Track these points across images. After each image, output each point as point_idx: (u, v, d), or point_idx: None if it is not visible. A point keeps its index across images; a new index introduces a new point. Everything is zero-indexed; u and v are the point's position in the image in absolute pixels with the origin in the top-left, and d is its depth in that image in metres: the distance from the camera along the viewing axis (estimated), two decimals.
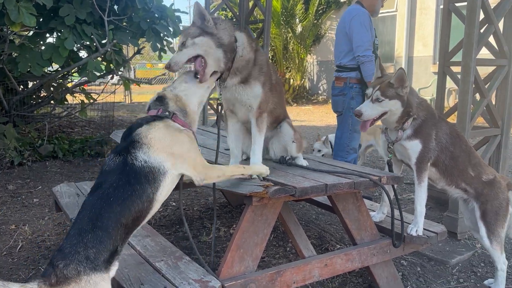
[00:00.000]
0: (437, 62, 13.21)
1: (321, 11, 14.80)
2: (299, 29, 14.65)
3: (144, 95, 15.81)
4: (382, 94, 2.44)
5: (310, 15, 14.44)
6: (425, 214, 2.63)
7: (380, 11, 4.51)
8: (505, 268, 2.71)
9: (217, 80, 2.24)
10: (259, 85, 2.28)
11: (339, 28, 4.23)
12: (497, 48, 3.69)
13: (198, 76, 2.08)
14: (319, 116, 11.94)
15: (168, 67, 2.11)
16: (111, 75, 7.09)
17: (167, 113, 1.97)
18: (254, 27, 10.90)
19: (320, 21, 14.90)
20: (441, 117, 2.70)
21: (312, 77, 16.05)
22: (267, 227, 2.18)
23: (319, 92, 15.76)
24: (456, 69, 3.97)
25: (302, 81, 15.40)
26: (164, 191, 1.88)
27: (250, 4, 6.68)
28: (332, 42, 15.17)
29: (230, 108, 2.41)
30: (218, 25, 2.12)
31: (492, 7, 3.47)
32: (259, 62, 2.29)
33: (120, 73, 6.98)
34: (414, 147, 2.52)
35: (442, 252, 3.31)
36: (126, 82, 7.29)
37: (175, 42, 7.31)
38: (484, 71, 4.05)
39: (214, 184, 2.26)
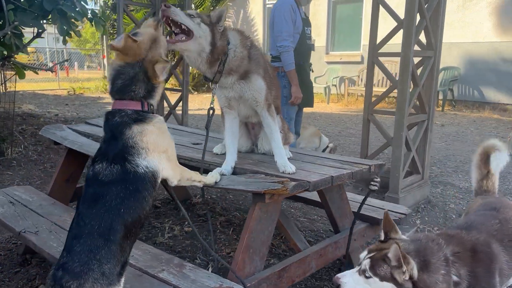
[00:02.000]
0: (329, 52, 14.03)
1: None
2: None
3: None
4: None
5: (206, 2, 14.23)
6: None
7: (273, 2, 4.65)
8: None
9: (209, 82, 2.22)
10: (261, 78, 2.26)
11: (270, 20, 4.31)
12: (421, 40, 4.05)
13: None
14: None
15: (165, 9, 1.95)
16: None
17: (152, 107, 1.79)
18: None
19: (217, 8, 14.77)
20: None
21: None
22: (272, 223, 2.12)
23: None
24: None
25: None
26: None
27: None
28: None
29: (230, 104, 2.31)
30: (222, 31, 2.15)
31: None
32: (254, 57, 2.27)
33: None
34: None
35: None
36: (20, 70, 6.41)
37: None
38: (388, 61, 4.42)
39: (202, 188, 2.14)
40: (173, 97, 6.35)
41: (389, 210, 2.78)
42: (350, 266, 2.62)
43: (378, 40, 4.33)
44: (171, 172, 1.84)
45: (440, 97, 10.28)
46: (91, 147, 2.88)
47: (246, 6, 14.51)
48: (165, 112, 6.41)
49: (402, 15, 4.02)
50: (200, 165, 2.29)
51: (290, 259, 2.22)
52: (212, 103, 2.24)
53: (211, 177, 2.12)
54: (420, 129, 4.12)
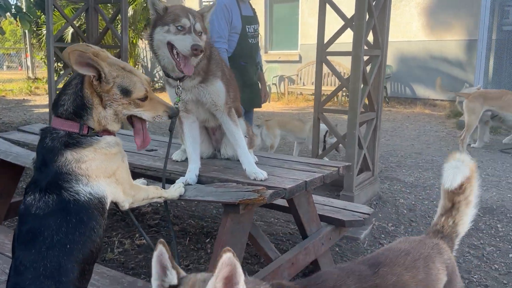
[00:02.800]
0: (268, 51, 14.04)
1: None
2: (129, 11, 13.76)
3: None
4: None
5: None
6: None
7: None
8: None
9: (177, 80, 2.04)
10: (220, 81, 2.10)
11: None
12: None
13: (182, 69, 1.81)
14: None
15: (200, 49, 1.87)
16: None
17: (93, 131, 1.54)
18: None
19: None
20: None
21: (145, 64, 15.37)
22: (245, 235, 1.98)
23: (155, 79, 15.21)
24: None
25: (135, 68, 14.58)
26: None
27: None
28: None
29: (187, 108, 2.12)
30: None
31: None
32: (214, 57, 2.13)
33: None
34: None
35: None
36: None
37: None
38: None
39: (165, 202, 1.96)
40: None
41: (352, 211, 2.76)
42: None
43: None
44: (122, 196, 1.61)
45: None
46: (29, 158, 2.55)
47: (182, 3, 14.15)
48: None
49: (346, 13, 4.05)
50: (159, 174, 2.10)
51: (264, 271, 2.10)
52: (177, 103, 2.05)
53: (174, 191, 1.92)
54: (370, 127, 4.17)
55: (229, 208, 1.83)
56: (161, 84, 14.92)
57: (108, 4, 8.33)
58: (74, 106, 1.51)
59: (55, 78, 5.42)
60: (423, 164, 5.67)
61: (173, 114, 1.69)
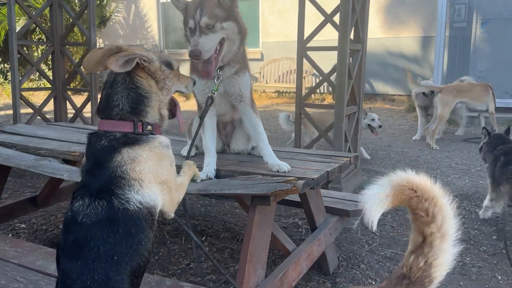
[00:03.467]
0: None
1: None
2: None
3: None
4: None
5: None
6: None
7: None
8: None
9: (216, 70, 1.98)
10: (248, 73, 2.07)
11: None
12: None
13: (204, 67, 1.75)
14: None
15: (199, 55, 1.75)
16: None
17: (149, 127, 1.47)
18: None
19: (105, 2, 13.81)
20: None
21: None
22: (269, 227, 1.97)
23: None
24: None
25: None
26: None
27: None
28: (119, 25, 14.34)
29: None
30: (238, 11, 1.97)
31: None
32: (243, 48, 2.07)
33: None
34: None
35: None
36: None
37: None
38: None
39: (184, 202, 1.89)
40: (79, 99, 5.73)
41: (353, 201, 2.82)
42: None
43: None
44: (169, 206, 1.52)
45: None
46: (23, 160, 2.41)
47: (138, 1, 13.80)
48: (70, 116, 5.76)
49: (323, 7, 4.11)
50: None
51: (286, 263, 2.09)
52: (214, 92, 1.98)
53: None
54: (352, 120, 4.27)
55: (257, 201, 1.81)
56: None
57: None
58: (130, 102, 1.43)
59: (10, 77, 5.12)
60: (394, 155, 5.87)
61: (194, 83, 1.66)
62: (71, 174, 2.21)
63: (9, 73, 13.62)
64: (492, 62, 9.41)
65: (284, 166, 2.01)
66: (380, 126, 5.81)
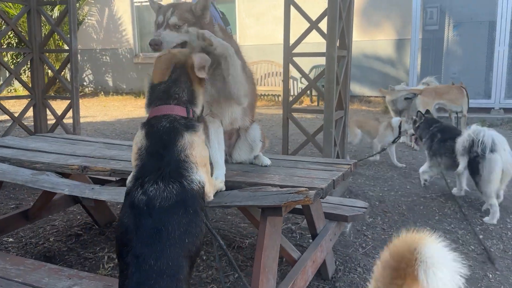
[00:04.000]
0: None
1: None
2: (55, 13, 12.93)
3: None
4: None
5: None
6: None
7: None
8: None
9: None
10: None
11: None
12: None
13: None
14: (99, 110, 10.98)
15: (159, 44, 1.82)
16: None
17: (196, 115, 1.66)
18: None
19: (78, 5, 13.51)
20: None
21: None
22: (279, 237, 2.00)
23: (85, 83, 14.44)
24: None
25: (62, 72, 13.74)
26: None
27: None
28: (93, 29, 14.08)
29: (212, 111, 2.07)
30: (210, 21, 2.04)
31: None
32: (235, 48, 2.08)
33: None
34: None
35: None
36: None
37: None
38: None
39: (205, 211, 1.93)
40: (59, 106, 5.60)
41: (350, 206, 2.87)
42: None
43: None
44: (209, 187, 1.64)
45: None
46: (19, 174, 2.35)
47: (111, 4, 13.59)
48: (49, 123, 5.63)
49: (308, 13, 4.17)
50: None
51: (294, 272, 2.12)
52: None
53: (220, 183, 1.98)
54: (340, 125, 4.34)
55: (268, 212, 1.83)
56: (92, 88, 14.23)
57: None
58: (187, 95, 1.63)
59: None
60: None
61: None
62: (72, 189, 2.18)
63: None
64: (464, 64, 9.74)
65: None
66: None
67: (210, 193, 1.66)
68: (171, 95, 1.59)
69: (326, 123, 3.88)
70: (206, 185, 1.55)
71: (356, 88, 11.27)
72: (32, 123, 5.64)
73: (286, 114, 4.42)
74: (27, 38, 5.42)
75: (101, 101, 12.66)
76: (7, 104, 5.33)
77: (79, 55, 14.32)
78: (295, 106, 4.73)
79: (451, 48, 9.86)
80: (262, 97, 11.98)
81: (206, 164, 1.60)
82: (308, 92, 10.92)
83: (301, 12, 4.24)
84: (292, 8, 4.26)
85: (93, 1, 13.70)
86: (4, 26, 7.98)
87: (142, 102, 11.62)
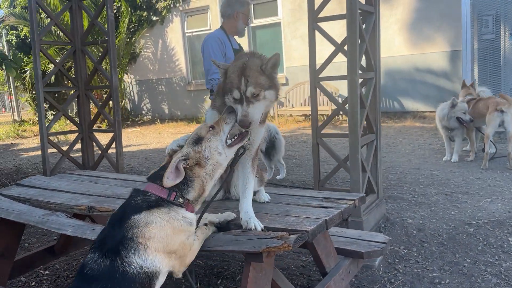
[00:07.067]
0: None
1: (133, 29, 14.27)
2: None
3: None
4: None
5: (121, 34, 13.76)
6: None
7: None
8: None
9: None
10: (265, 125, 2.11)
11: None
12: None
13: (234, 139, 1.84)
14: (154, 138, 11.44)
15: (248, 125, 1.78)
16: None
17: (180, 200, 1.64)
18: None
19: (134, 39, 14.35)
20: None
21: (132, 98, 15.33)
22: (268, 283, 1.90)
23: (143, 112, 15.16)
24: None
25: (123, 102, 14.56)
26: None
27: (85, 24, 5.92)
28: (148, 60, 14.81)
29: None
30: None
31: None
32: (278, 89, 2.08)
33: None
34: None
35: None
36: None
37: None
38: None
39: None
40: (104, 138, 5.89)
41: (368, 240, 2.70)
42: None
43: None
44: (178, 268, 1.64)
45: None
46: (32, 215, 2.47)
47: (165, 36, 14.25)
48: (96, 154, 5.93)
49: (334, 36, 4.07)
50: None
51: None
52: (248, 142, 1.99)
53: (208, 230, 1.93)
54: (371, 149, 4.15)
55: (251, 257, 1.76)
56: (150, 117, 14.88)
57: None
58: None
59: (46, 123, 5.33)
60: (423, 179, 5.65)
61: None
62: (75, 230, 2.24)
63: (48, 112, 14.27)
64: None
65: (252, 223, 1.90)
66: (471, 121, 6.08)
67: (179, 272, 1.67)
68: (158, 177, 1.66)
69: (352, 149, 3.72)
70: (164, 271, 1.54)
71: (408, 103, 10.81)
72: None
73: (315, 139, 4.31)
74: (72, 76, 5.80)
75: (157, 128, 13.17)
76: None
77: (137, 86, 15.13)
78: (326, 130, 4.59)
79: (508, 57, 9.17)
80: (307, 117, 11.84)
81: (177, 251, 1.57)
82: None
83: (325, 35, 4.16)
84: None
85: (148, 34, 14.45)
86: (52, 67, 8.51)
87: (194, 127, 12.03)
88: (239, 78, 1.87)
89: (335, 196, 2.38)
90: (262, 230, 1.85)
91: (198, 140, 1.73)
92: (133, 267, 1.43)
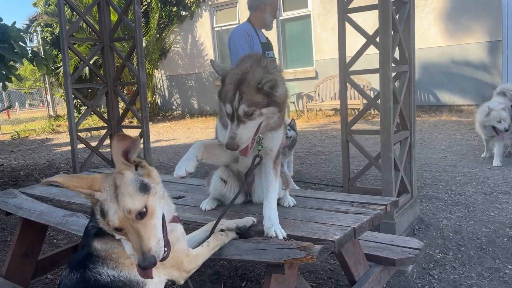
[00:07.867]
0: (283, 70, 14.27)
1: (163, 25, 14.33)
2: (143, 43, 13.92)
3: None
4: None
5: (152, 29, 13.84)
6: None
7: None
8: None
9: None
10: (283, 128, 1.96)
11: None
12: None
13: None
14: (183, 133, 11.47)
15: (236, 148, 1.68)
16: None
17: None
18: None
19: (164, 35, 14.42)
20: None
21: (163, 93, 15.45)
22: None
23: (173, 107, 15.27)
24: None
25: (153, 98, 14.69)
26: None
27: (113, 20, 5.92)
28: (178, 55, 14.85)
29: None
30: (280, 87, 1.75)
31: None
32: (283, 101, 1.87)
33: None
34: None
35: None
36: None
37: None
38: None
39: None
40: (133, 134, 5.88)
41: (400, 246, 2.54)
42: None
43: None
44: (178, 277, 1.62)
45: None
46: (53, 216, 2.43)
47: (194, 30, 14.25)
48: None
49: (366, 27, 3.86)
50: (189, 227, 1.92)
51: None
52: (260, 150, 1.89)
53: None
54: (404, 146, 3.94)
55: (272, 268, 1.64)
56: (179, 112, 14.96)
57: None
58: None
59: (76, 119, 5.37)
60: (460, 177, 5.36)
61: None
62: None
63: (82, 108, 14.58)
64: None
65: (274, 231, 1.76)
66: (507, 130, 5.58)
67: (179, 278, 1.61)
68: None
69: (384, 148, 3.53)
70: (164, 277, 1.55)
71: (445, 96, 10.38)
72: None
73: (345, 136, 4.14)
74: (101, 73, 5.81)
75: (187, 124, 13.21)
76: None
77: (167, 81, 15.23)
78: (357, 126, 4.41)
79: None
80: (337, 111, 11.56)
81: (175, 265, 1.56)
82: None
83: (355, 27, 3.96)
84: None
85: (177, 30, 14.49)
86: (81, 63, 8.62)
87: None
88: (233, 92, 1.70)
89: (365, 200, 2.22)
90: (284, 238, 1.71)
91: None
92: (104, 276, 1.47)
